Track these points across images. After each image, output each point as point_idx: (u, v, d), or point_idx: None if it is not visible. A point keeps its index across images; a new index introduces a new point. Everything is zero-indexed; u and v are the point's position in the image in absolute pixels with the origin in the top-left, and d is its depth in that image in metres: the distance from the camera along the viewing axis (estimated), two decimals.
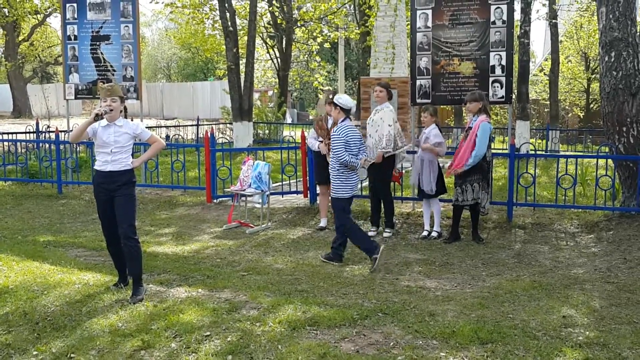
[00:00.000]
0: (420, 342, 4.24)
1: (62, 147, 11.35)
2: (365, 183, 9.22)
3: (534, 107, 29.25)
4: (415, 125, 10.29)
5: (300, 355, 3.99)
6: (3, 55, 33.90)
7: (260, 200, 8.56)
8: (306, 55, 28.86)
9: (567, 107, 30.15)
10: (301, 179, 9.79)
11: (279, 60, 22.94)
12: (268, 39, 24.11)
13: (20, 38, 32.42)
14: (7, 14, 27.13)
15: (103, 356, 4.00)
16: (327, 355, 3.99)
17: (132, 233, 5.16)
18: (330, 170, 6.64)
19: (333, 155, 6.51)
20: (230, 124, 19.07)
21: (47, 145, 12.23)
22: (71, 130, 13.75)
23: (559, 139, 18.79)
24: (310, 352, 4.03)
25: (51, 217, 9.03)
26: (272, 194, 8.99)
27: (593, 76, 27.57)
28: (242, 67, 16.30)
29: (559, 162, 9.52)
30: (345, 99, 6.61)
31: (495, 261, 6.67)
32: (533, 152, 12.05)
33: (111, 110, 5.05)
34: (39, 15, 30.92)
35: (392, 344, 4.21)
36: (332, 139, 6.57)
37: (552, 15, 19.12)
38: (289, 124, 23.26)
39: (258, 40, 22.21)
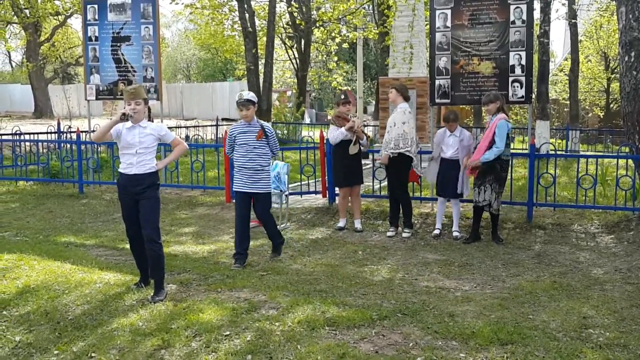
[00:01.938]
0: (440, 343, 4.22)
1: (83, 147, 11.48)
2: (384, 183, 9.21)
3: (554, 107, 28.99)
4: (434, 125, 10.25)
5: (319, 355, 3.99)
6: (25, 56, 34.35)
7: (279, 201, 8.59)
8: (325, 56, 28.87)
9: (587, 107, 29.82)
10: (320, 179, 9.80)
11: (297, 60, 22.99)
12: (287, 39, 24.17)
13: (42, 39, 32.80)
14: (28, 15, 27.47)
15: (123, 355, 4.04)
16: (346, 355, 3.99)
17: (157, 237, 5.20)
18: (256, 168, 6.45)
19: (276, 151, 6.70)
20: None
21: (68, 146, 12.38)
22: (93, 131, 13.92)
23: (579, 139, 18.60)
24: (329, 352, 4.03)
25: (72, 217, 9.14)
26: (290, 194, 9.01)
27: (613, 76, 27.26)
28: (261, 68, 16.35)
29: (579, 162, 9.41)
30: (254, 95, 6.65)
31: (515, 262, 6.63)
32: (553, 152, 11.94)
33: (135, 113, 5.09)
34: (60, 16, 31.26)
35: (411, 344, 4.20)
36: (271, 136, 6.55)
37: (572, 15, 18.94)
38: (308, 124, 23.29)
39: (277, 41, 22.28)
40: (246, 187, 6.45)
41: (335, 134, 8.09)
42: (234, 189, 6.62)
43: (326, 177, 9.44)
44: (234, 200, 9.78)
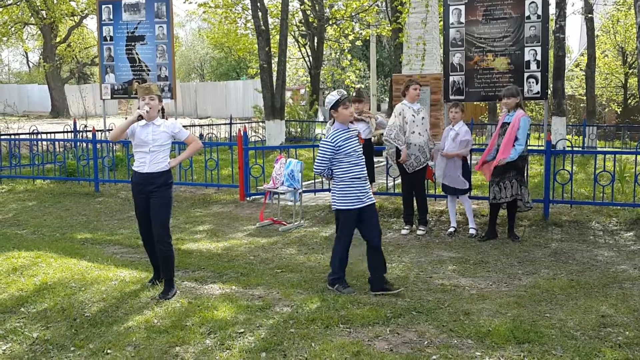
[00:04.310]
0: (455, 342, 4.19)
1: (99, 146, 11.55)
2: (398, 181, 9.17)
3: (570, 103, 28.71)
4: (448, 122, 10.18)
5: (334, 353, 3.98)
6: (41, 57, 34.67)
7: (292, 198, 8.59)
8: (338, 53, 28.83)
9: (604, 103, 29.50)
10: None
11: (310, 58, 22.97)
12: (300, 37, 24.16)
13: (58, 40, 33.10)
14: (45, 17, 27.74)
15: (139, 352, 4.05)
16: (360, 353, 3.97)
17: (166, 236, 5.22)
18: (366, 177, 5.50)
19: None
20: (263, 122, 19.17)
21: (84, 145, 12.47)
22: (109, 130, 14.02)
23: (596, 135, 18.38)
24: (343, 350, 4.02)
25: (88, 215, 9.20)
26: (304, 191, 9.00)
27: (630, 71, 26.94)
28: (274, 66, 16.36)
29: (597, 159, 9.31)
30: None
31: (532, 259, 6.56)
32: (569, 148, 11.82)
33: (150, 108, 5.11)
34: (75, 17, 31.51)
35: (426, 342, 4.18)
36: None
37: (588, 10, 18.73)
38: (321, 121, 23.24)
39: (290, 39, 22.27)
40: (360, 201, 5.34)
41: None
42: (343, 208, 5.36)
43: None
44: (247, 199, 9.85)
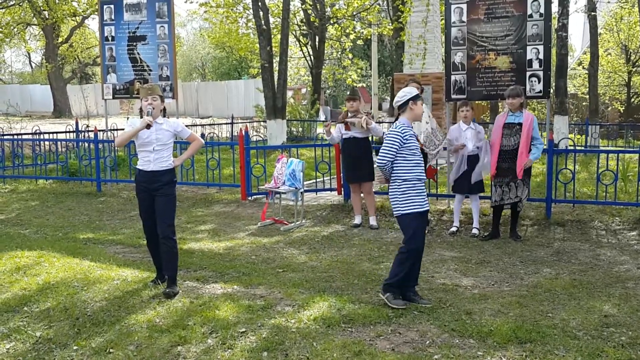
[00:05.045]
0: (457, 341, 4.19)
1: (100, 146, 11.56)
2: None
3: (573, 102, 28.66)
4: (450, 122, 10.16)
5: (336, 352, 3.98)
6: (44, 57, 34.72)
7: (294, 198, 8.59)
8: (339, 53, 28.82)
9: (606, 101, 29.44)
10: (335, 176, 9.78)
11: (312, 57, 22.97)
12: (301, 36, 24.16)
13: (60, 40, 33.14)
14: (47, 17, 27.76)
15: (141, 351, 4.06)
16: (362, 352, 3.97)
17: (171, 233, 5.24)
18: (425, 180, 5.18)
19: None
20: (264, 121, 19.17)
21: (86, 144, 12.47)
22: (111, 130, 14.03)
23: (598, 134, 18.33)
24: (345, 349, 4.02)
25: (91, 215, 9.21)
26: (306, 191, 9.00)
27: (634, 69, 26.89)
28: (275, 65, 16.35)
29: (599, 158, 9.29)
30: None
31: (534, 259, 6.56)
32: (572, 147, 11.79)
33: (153, 108, 5.14)
34: (77, 17, 31.53)
35: (428, 342, 4.17)
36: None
37: (591, 8, 18.69)
38: (323, 121, 23.25)
39: (291, 38, 22.27)
40: (421, 206, 4.99)
41: (332, 135, 8.24)
42: (408, 211, 4.94)
43: (341, 174, 9.41)
44: (249, 198, 9.85)
